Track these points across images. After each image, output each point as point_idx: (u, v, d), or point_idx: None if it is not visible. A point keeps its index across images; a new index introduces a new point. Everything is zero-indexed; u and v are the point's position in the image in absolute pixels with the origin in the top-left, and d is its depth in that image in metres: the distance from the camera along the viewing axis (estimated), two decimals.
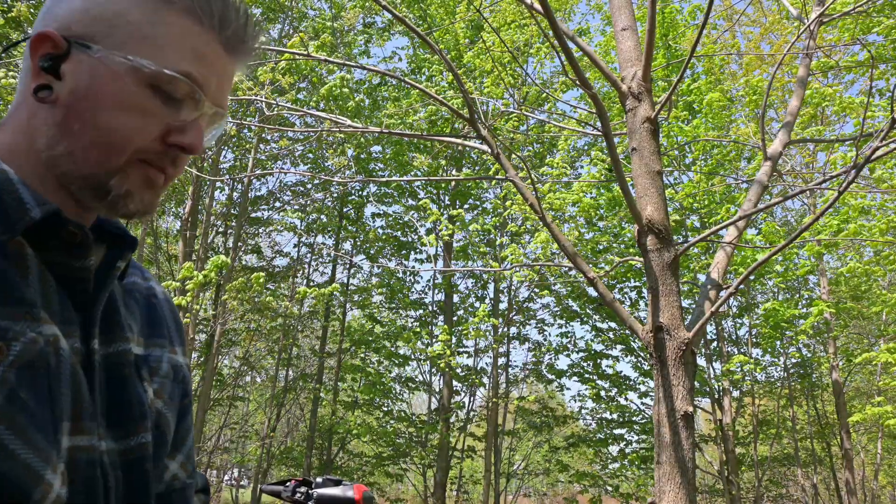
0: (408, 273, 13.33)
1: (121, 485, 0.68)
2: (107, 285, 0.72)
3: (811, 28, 4.78)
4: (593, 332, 13.02)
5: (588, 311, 12.73)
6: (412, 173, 12.36)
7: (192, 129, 0.72)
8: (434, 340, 11.93)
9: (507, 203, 10.27)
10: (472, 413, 14.08)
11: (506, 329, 13.31)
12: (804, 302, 11.76)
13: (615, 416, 12.66)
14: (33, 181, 0.69)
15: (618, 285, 12.03)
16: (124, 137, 0.68)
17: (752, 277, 10.74)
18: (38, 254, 0.66)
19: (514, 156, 8.22)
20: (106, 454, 0.66)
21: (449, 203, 13.69)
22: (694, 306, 4.02)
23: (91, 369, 0.67)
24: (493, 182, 12.36)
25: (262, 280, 9.24)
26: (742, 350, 12.83)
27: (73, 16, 0.70)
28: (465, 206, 13.64)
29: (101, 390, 0.68)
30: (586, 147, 12.41)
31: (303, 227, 13.87)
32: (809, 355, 13.60)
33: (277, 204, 13.35)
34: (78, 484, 0.62)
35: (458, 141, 4.95)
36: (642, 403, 12.50)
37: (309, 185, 13.05)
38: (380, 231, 13.70)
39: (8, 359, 0.58)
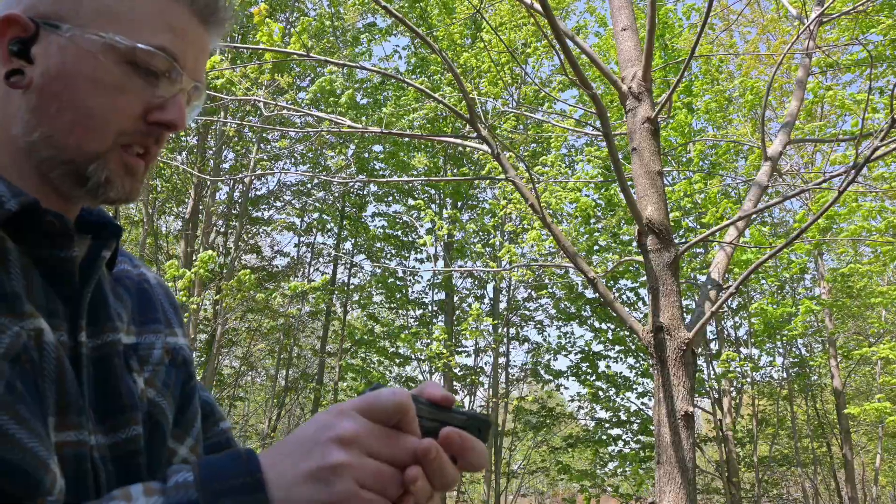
0: (408, 273, 13.33)
1: (113, 480, 0.65)
2: (92, 276, 0.69)
3: (811, 28, 4.78)
4: (591, 333, 13.03)
5: (584, 312, 12.73)
6: (410, 173, 12.37)
7: (172, 105, 0.70)
8: (433, 340, 11.94)
9: (504, 203, 10.28)
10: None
11: (505, 329, 13.31)
12: (798, 300, 11.77)
13: (612, 415, 12.66)
14: (11, 172, 0.67)
15: (615, 286, 12.05)
16: (104, 118, 0.66)
17: (750, 277, 10.74)
18: (21, 247, 0.64)
19: (510, 155, 8.24)
20: (96, 449, 0.64)
21: (450, 202, 13.70)
22: (692, 306, 4.02)
23: (79, 363, 0.65)
24: (488, 182, 12.36)
25: (250, 277, 9.23)
26: (740, 350, 12.84)
27: None
28: (464, 206, 13.66)
29: (90, 384, 0.66)
30: (584, 146, 12.43)
31: (303, 227, 13.88)
32: (808, 354, 13.62)
33: (278, 204, 13.36)
34: (68, 480, 0.60)
35: (458, 141, 4.96)
36: (641, 403, 12.52)
37: (309, 185, 13.06)
38: (380, 231, 13.71)
39: (0, 350, 0.57)
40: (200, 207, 11.61)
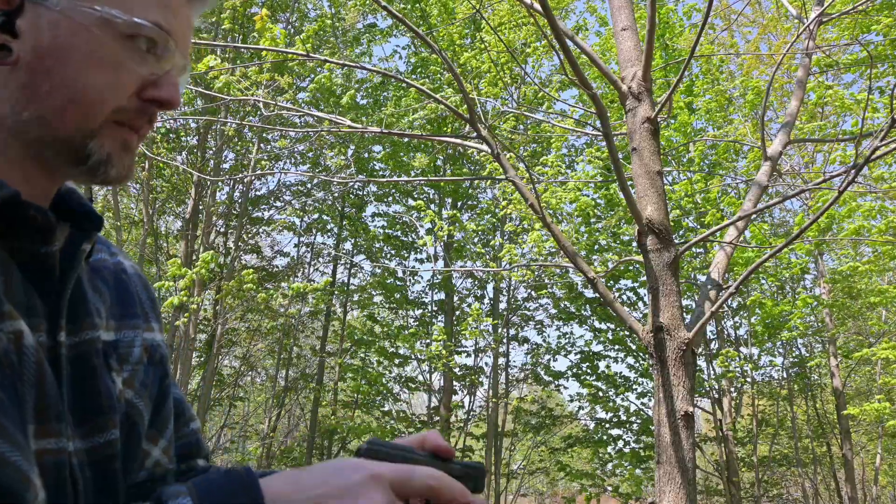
0: (407, 273, 13.33)
1: (90, 486, 0.63)
2: (73, 270, 0.66)
3: (811, 28, 4.78)
4: (591, 333, 13.03)
5: (584, 312, 12.74)
6: (410, 173, 12.36)
7: (167, 82, 0.68)
8: (432, 340, 11.95)
9: (504, 203, 10.28)
10: (471, 413, 14.08)
11: (505, 329, 13.31)
12: (797, 300, 11.77)
13: (611, 416, 12.66)
14: None
15: (615, 286, 12.05)
16: (101, 95, 0.64)
17: (750, 277, 10.72)
18: None
19: (510, 155, 8.24)
20: (74, 455, 0.61)
21: (450, 202, 13.69)
22: (692, 306, 4.02)
23: (58, 364, 0.62)
24: (489, 182, 12.36)
25: (251, 276, 9.22)
26: (740, 350, 12.84)
27: None
28: (464, 206, 13.65)
29: (68, 386, 0.63)
30: (584, 146, 12.43)
31: (303, 227, 13.88)
32: (808, 354, 13.61)
33: (278, 204, 13.36)
34: (47, 489, 0.57)
35: (458, 141, 4.96)
36: (641, 403, 12.52)
37: (309, 185, 13.06)
38: (379, 231, 13.72)
39: None
40: (200, 207, 11.61)
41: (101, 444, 0.65)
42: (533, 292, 13.11)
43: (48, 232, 0.64)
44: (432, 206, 13.26)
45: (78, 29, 0.63)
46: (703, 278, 4.54)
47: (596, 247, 11.16)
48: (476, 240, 13.08)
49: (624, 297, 12.36)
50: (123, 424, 0.69)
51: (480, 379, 13.66)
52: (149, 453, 0.75)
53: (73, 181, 0.70)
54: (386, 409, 13.44)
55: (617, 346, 12.64)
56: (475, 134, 4.07)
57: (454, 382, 13.33)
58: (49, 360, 0.61)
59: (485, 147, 4.18)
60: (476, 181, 13.01)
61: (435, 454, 0.64)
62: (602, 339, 12.77)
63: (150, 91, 0.67)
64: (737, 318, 13.03)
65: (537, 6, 3.65)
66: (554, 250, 10.07)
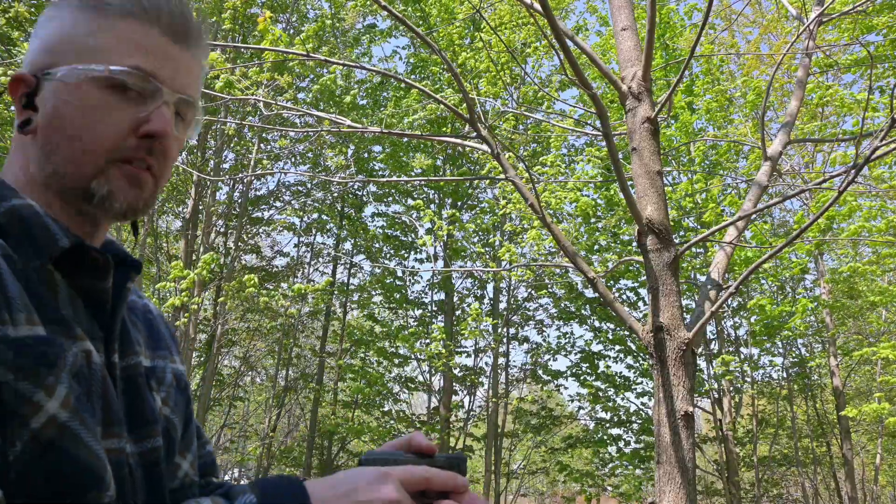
0: (407, 273, 13.32)
1: (141, 485, 0.75)
2: (122, 303, 0.78)
3: (811, 28, 4.77)
4: (591, 333, 13.02)
5: (584, 312, 12.73)
6: (410, 173, 12.34)
7: (156, 116, 0.77)
8: (432, 340, 11.93)
9: (504, 203, 10.27)
10: (471, 413, 14.07)
11: (505, 329, 13.30)
12: (797, 300, 11.76)
13: (611, 416, 12.65)
14: (48, 209, 0.75)
15: (615, 286, 12.04)
16: (94, 138, 0.74)
17: (750, 277, 10.71)
18: (65, 278, 0.72)
19: (510, 155, 8.21)
20: (130, 457, 0.73)
21: (449, 202, 13.68)
22: (692, 306, 4.01)
23: (114, 380, 0.74)
24: (489, 182, 12.34)
25: (254, 281, 9.24)
26: (741, 350, 12.83)
27: (35, 54, 0.78)
28: (464, 206, 13.64)
29: (121, 399, 0.75)
30: (584, 146, 12.42)
31: (302, 227, 13.87)
32: (808, 354, 13.61)
33: (278, 204, 13.35)
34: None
35: (458, 141, 4.95)
36: (641, 403, 12.51)
37: (309, 185, 13.05)
38: (379, 231, 13.70)
39: (66, 367, 0.66)
40: (200, 207, 11.60)
41: (148, 450, 0.77)
42: (533, 292, 13.11)
43: (106, 271, 0.76)
44: (432, 206, 13.25)
45: (71, 88, 0.75)
46: (703, 278, 4.54)
47: (596, 247, 11.15)
48: (476, 240, 13.06)
49: (624, 297, 12.35)
50: (163, 436, 0.81)
51: (480, 379, 13.65)
52: (179, 466, 0.87)
53: (96, 219, 0.79)
54: (386, 409, 13.43)
55: (617, 346, 12.62)
56: (475, 134, 4.07)
57: (454, 383, 13.31)
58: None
59: (485, 147, 4.18)
60: (476, 181, 13.00)
61: (420, 453, 0.77)
62: (602, 338, 12.76)
63: (143, 127, 0.76)
64: (737, 319, 13.02)
65: (537, 6, 3.65)
66: (554, 250, 10.07)
